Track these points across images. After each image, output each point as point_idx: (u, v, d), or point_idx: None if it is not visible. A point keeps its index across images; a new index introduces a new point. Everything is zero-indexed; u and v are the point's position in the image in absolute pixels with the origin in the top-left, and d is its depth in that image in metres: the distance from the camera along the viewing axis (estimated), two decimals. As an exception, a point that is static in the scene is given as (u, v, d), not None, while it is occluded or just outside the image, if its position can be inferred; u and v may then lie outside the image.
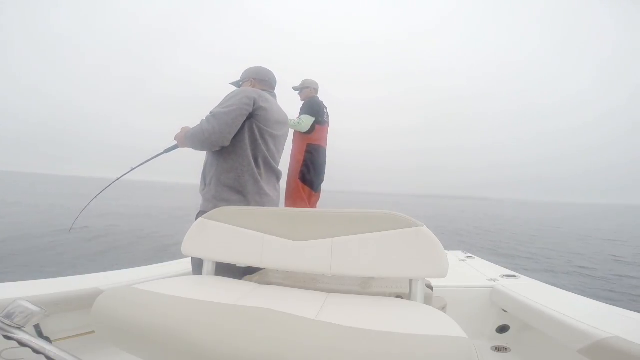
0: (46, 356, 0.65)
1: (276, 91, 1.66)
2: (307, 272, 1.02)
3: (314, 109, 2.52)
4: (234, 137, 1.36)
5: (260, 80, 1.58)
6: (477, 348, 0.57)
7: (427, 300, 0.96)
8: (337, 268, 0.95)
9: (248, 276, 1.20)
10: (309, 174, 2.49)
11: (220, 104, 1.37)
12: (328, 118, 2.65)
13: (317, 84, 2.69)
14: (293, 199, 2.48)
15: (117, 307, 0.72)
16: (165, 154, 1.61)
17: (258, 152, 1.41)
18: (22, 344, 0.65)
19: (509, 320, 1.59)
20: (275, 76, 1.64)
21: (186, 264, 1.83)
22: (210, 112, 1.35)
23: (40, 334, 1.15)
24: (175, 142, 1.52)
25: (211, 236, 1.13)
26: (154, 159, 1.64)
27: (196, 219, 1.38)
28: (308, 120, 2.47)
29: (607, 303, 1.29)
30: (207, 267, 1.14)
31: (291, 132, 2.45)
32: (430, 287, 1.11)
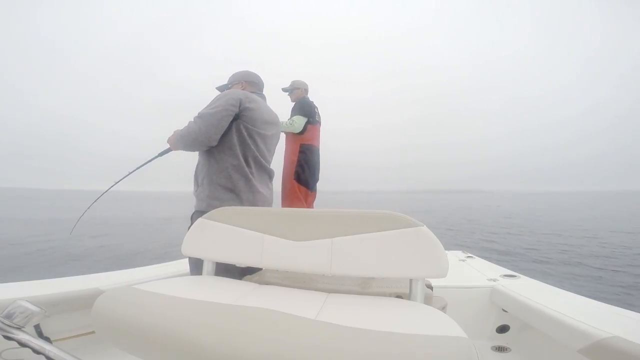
0: (46, 356, 0.65)
1: (265, 93, 1.70)
2: (307, 272, 1.02)
3: (305, 109, 2.53)
4: (223, 138, 1.39)
5: (250, 82, 1.63)
6: (477, 348, 0.57)
7: (427, 300, 0.96)
8: (337, 268, 0.95)
9: (248, 276, 1.20)
10: (303, 173, 2.50)
11: (207, 106, 1.40)
12: (319, 118, 2.66)
13: (306, 85, 2.71)
14: (290, 200, 2.49)
15: (117, 307, 0.72)
16: (159, 158, 1.62)
17: (248, 151, 1.44)
18: (22, 344, 0.65)
19: (509, 320, 1.59)
20: (262, 78, 1.70)
21: (186, 264, 1.83)
22: (198, 114, 1.38)
23: (40, 334, 1.15)
24: (168, 146, 1.53)
25: (211, 236, 1.13)
26: (149, 163, 1.65)
27: (191, 218, 1.38)
28: (300, 121, 2.48)
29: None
30: (207, 267, 1.14)
31: (283, 134, 2.46)
32: (430, 287, 1.11)
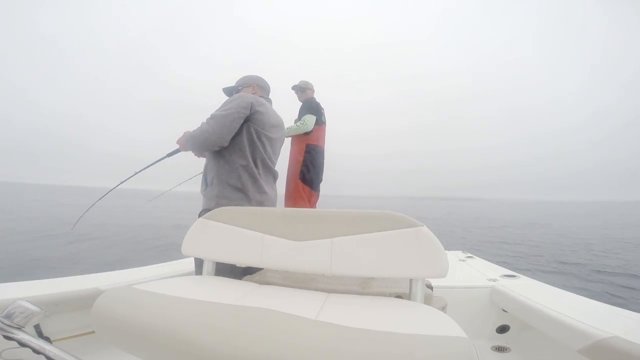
0: (46, 356, 0.65)
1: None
2: (307, 272, 1.02)
3: (314, 108, 2.54)
4: (234, 139, 1.44)
5: (260, 87, 1.69)
6: (477, 348, 0.57)
7: (427, 300, 0.96)
8: (337, 268, 0.95)
9: (248, 276, 1.20)
10: (308, 173, 2.50)
11: (220, 108, 1.45)
12: (325, 119, 2.66)
13: (313, 86, 2.71)
14: (293, 199, 2.49)
15: (117, 307, 0.72)
16: (168, 158, 1.64)
17: (256, 153, 1.49)
18: (22, 344, 0.65)
19: (509, 320, 1.59)
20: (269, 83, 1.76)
21: (186, 264, 1.83)
22: (211, 115, 1.42)
23: (40, 334, 1.15)
24: (177, 146, 1.56)
25: (211, 236, 1.13)
26: (157, 163, 1.67)
27: (199, 216, 1.39)
28: (311, 120, 2.48)
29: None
30: (207, 267, 1.14)
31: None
32: (430, 287, 1.11)
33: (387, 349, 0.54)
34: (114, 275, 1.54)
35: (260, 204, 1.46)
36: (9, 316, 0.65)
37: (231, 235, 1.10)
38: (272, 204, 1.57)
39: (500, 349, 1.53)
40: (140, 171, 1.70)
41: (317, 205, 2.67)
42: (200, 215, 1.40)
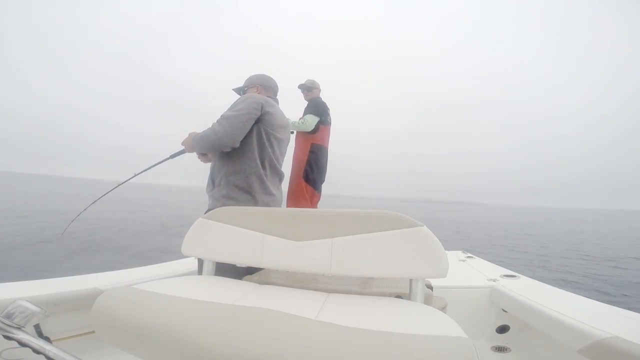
0: (46, 356, 0.65)
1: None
2: (307, 272, 1.02)
3: (319, 108, 2.53)
4: (242, 140, 1.43)
5: (265, 87, 1.67)
6: (477, 348, 0.57)
7: (427, 300, 0.96)
8: (337, 268, 0.95)
9: (248, 276, 1.20)
10: (312, 173, 2.50)
11: (230, 108, 1.43)
12: (330, 119, 2.65)
13: (319, 85, 2.70)
14: (296, 198, 2.48)
15: (117, 307, 0.72)
16: (170, 160, 1.62)
17: (264, 154, 1.48)
18: (22, 344, 0.65)
19: (509, 320, 1.59)
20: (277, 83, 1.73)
21: (186, 264, 1.83)
22: (222, 116, 1.41)
23: (40, 334, 1.15)
24: (182, 147, 1.54)
25: (211, 236, 1.13)
26: (159, 165, 1.65)
27: None
28: (312, 120, 2.48)
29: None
30: (207, 267, 1.14)
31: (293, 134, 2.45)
32: (430, 287, 1.11)
33: (387, 349, 0.54)
34: (114, 275, 1.54)
35: (267, 205, 1.46)
36: (9, 316, 0.65)
37: (231, 235, 1.10)
38: (278, 205, 1.56)
39: (500, 349, 1.53)
40: (139, 173, 1.69)
41: (318, 205, 2.67)
42: None
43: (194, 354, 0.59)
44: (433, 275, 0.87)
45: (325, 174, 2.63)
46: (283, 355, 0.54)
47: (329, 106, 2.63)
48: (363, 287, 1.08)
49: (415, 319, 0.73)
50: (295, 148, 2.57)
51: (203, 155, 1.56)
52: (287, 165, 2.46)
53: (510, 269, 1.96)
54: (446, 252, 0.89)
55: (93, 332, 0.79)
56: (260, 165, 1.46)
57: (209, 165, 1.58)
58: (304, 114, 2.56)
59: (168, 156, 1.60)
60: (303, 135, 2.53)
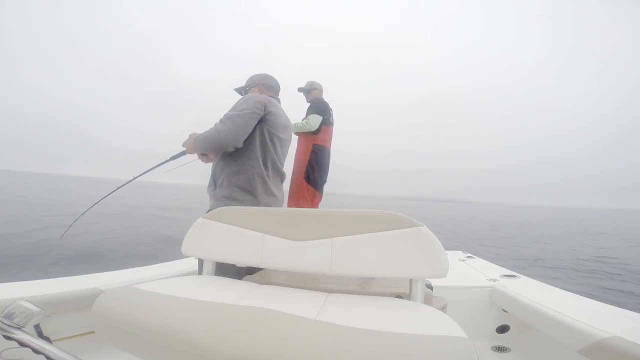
0: (46, 356, 0.65)
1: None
2: (307, 272, 1.02)
3: (322, 108, 2.52)
4: (245, 140, 1.41)
5: (267, 86, 1.65)
6: (477, 348, 0.57)
7: (427, 300, 0.96)
8: (337, 268, 0.95)
9: (248, 276, 1.20)
10: (313, 174, 2.50)
11: (233, 108, 1.42)
12: (333, 119, 2.64)
13: (321, 86, 2.69)
14: (297, 198, 2.48)
15: (117, 307, 0.72)
16: (171, 161, 1.61)
17: (267, 154, 1.47)
18: (22, 344, 0.65)
19: (509, 320, 1.59)
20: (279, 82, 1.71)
21: (186, 264, 1.83)
22: (225, 115, 1.40)
23: (40, 334, 1.14)
24: (183, 149, 1.53)
25: (211, 236, 1.13)
26: (160, 167, 1.64)
27: None
28: (316, 120, 2.47)
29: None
30: (207, 267, 1.14)
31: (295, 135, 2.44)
32: (430, 287, 1.11)
33: (387, 349, 0.54)
34: (114, 275, 1.54)
35: (268, 205, 1.45)
36: (9, 316, 0.65)
37: (231, 235, 1.10)
38: (279, 206, 1.55)
39: (500, 349, 1.53)
40: (139, 176, 1.68)
41: (319, 206, 2.66)
42: None
43: (194, 354, 0.59)
44: (433, 275, 0.87)
45: (326, 175, 2.63)
46: (283, 355, 0.54)
47: (331, 107, 2.63)
48: (363, 287, 1.08)
49: (415, 318, 0.73)
50: (297, 148, 2.57)
51: (204, 156, 1.54)
52: (288, 166, 2.46)
53: (510, 269, 1.96)
54: (446, 252, 0.90)
55: (93, 332, 0.79)
56: (262, 166, 1.45)
57: (209, 165, 1.58)
58: (306, 114, 2.55)
59: (168, 158, 1.59)
60: (305, 136, 2.53)
